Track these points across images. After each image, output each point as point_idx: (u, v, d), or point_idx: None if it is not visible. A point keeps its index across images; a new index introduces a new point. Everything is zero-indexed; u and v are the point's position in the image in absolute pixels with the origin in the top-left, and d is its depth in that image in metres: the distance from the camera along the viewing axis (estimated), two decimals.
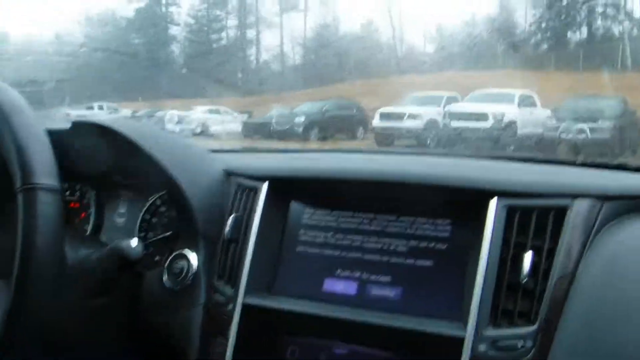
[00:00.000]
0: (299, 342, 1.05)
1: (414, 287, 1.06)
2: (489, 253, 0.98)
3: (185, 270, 1.15)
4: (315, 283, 1.11)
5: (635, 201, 1.08)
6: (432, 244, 1.08)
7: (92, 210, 1.42)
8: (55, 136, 1.08)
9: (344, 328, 1.03)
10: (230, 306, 1.09)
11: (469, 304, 0.96)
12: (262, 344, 1.07)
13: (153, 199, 1.38)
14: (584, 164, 1.37)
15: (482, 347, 0.93)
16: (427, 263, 1.07)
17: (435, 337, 0.97)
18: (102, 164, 1.29)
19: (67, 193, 1.46)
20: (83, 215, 1.43)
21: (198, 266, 1.16)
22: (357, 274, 1.10)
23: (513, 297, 0.96)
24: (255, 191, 1.18)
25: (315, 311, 1.05)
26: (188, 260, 1.16)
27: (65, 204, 1.43)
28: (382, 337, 1.00)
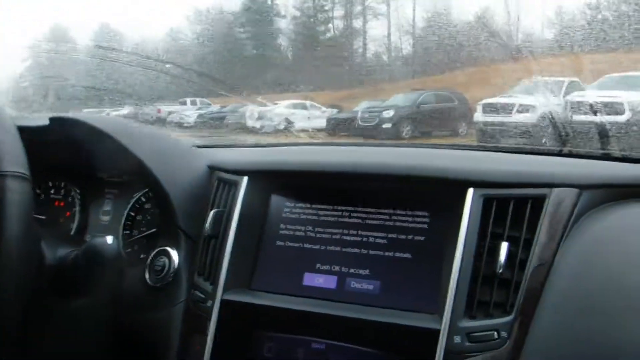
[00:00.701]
0: (277, 338, 1.05)
1: (393, 280, 1.05)
2: (465, 244, 0.98)
3: (166, 268, 1.15)
4: (295, 277, 1.10)
5: (615, 190, 1.06)
6: (411, 236, 1.07)
7: (77, 208, 1.43)
8: (32, 131, 1.10)
9: (323, 323, 1.02)
10: (209, 303, 1.09)
11: (445, 296, 0.96)
12: (240, 340, 1.06)
13: (137, 196, 1.38)
14: (568, 154, 1.36)
15: (457, 339, 0.93)
16: (406, 255, 1.06)
17: (411, 330, 0.96)
18: (83, 160, 1.29)
19: (52, 192, 1.47)
20: (68, 214, 1.44)
21: (179, 263, 1.16)
22: (337, 268, 1.09)
23: (489, 288, 0.96)
24: (236, 185, 1.18)
25: (294, 306, 1.05)
26: (169, 257, 1.16)
27: (50, 202, 1.46)
28: (360, 331, 1.00)
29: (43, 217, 1.43)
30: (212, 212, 1.16)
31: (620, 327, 0.85)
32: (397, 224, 1.08)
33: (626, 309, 0.87)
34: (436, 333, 0.94)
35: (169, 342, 1.12)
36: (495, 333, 0.92)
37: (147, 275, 1.16)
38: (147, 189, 1.36)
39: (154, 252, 1.18)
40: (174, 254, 1.16)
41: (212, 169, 1.27)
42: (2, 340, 0.90)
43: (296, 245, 1.13)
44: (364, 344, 0.99)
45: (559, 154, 1.38)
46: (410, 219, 1.08)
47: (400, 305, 1.02)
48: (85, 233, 1.41)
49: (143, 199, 1.38)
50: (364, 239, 1.09)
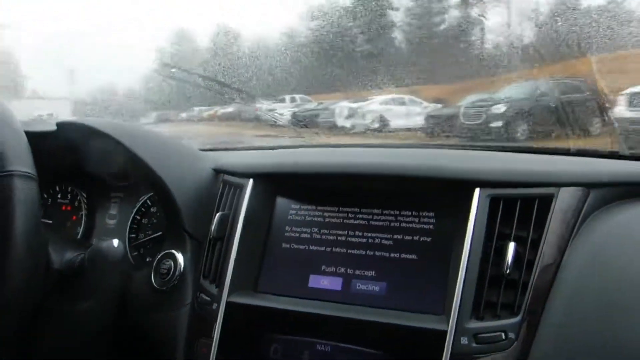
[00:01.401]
0: (282, 340, 1.04)
1: (399, 281, 1.04)
2: (472, 244, 0.97)
3: (172, 271, 1.15)
4: (301, 279, 1.10)
5: (623, 188, 1.05)
6: (417, 237, 1.06)
7: (84, 212, 1.44)
8: (39, 136, 1.10)
9: (329, 325, 1.01)
10: (215, 305, 1.09)
11: (452, 297, 0.95)
12: (246, 343, 1.06)
13: (143, 200, 1.39)
14: (575, 153, 1.35)
15: (463, 340, 0.92)
16: (412, 256, 1.05)
17: (417, 331, 0.95)
18: (90, 164, 1.30)
19: (59, 196, 1.48)
20: (74, 218, 1.45)
21: (185, 266, 1.16)
22: (342, 270, 1.09)
23: (496, 289, 0.95)
24: (241, 188, 1.18)
25: (300, 308, 1.04)
26: (175, 260, 1.16)
27: (57, 207, 1.46)
28: (366, 333, 0.99)
29: (50, 222, 1.44)
30: (217, 215, 1.17)
31: (630, 327, 0.84)
32: (403, 224, 1.08)
33: (636, 308, 0.86)
34: (443, 334, 0.93)
35: (175, 344, 1.12)
36: (503, 334, 0.91)
37: (153, 279, 1.16)
38: (152, 193, 1.36)
39: (160, 255, 1.18)
40: (180, 257, 1.16)
41: (218, 171, 1.27)
42: (8, 341, 0.90)
43: (301, 247, 1.13)
44: (370, 346, 0.98)
45: (567, 152, 1.37)
46: (416, 219, 1.07)
47: (407, 306, 1.01)
48: (92, 237, 1.42)
49: (149, 202, 1.39)
50: (370, 240, 1.09)
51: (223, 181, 1.24)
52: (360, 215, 1.11)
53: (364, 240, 1.09)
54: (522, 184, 1.01)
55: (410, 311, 1.00)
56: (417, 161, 1.16)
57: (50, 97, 4.39)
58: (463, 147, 1.54)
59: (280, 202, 1.18)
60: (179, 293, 1.15)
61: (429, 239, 1.05)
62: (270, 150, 1.57)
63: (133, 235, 1.38)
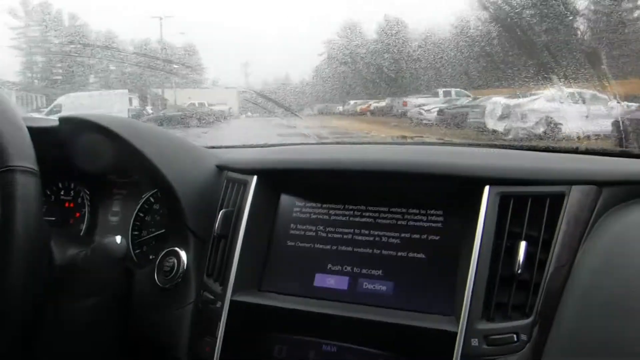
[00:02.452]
0: (287, 340, 1.02)
1: (406, 281, 1.02)
2: (482, 244, 0.95)
3: (175, 268, 1.13)
4: (306, 278, 1.08)
5: (636, 187, 1.02)
6: (425, 236, 1.04)
7: (87, 209, 1.43)
8: (42, 132, 1.08)
9: (335, 324, 0.99)
10: (218, 304, 1.07)
11: (462, 297, 0.93)
12: (250, 342, 1.04)
13: (146, 197, 1.37)
14: (585, 152, 1.32)
15: (474, 342, 0.90)
16: (420, 255, 1.03)
17: (426, 332, 0.93)
18: (92, 159, 1.28)
19: (62, 193, 1.47)
20: (77, 215, 1.43)
21: (188, 264, 1.14)
22: (349, 268, 1.07)
23: (507, 290, 0.93)
24: (245, 185, 1.16)
25: (305, 308, 1.02)
26: (179, 258, 1.14)
27: (60, 203, 1.45)
28: (373, 333, 0.97)
29: (53, 219, 1.43)
30: (221, 212, 1.15)
31: None
32: (411, 223, 1.05)
33: None
34: (453, 336, 0.91)
35: (179, 343, 1.10)
36: (515, 336, 0.89)
37: (156, 276, 1.14)
38: (156, 190, 1.35)
39: (163, 252, 1.16)
40: (183, 255, 1.15)
41: (221, 168, 1.26)
42: (10, 338, 0.89)
43: (307, 245, 1.11)
44: (376, 346, 0.96)
45: (576, 151, 1.35)
46: (424, 218, 1.05)
47: (415, 306, 0.99)
48: (95, 234, 1.41)
49: (152, 200, 1.37)
50: (377, 239, 1.06)
51: (227, 178, 1.22)
52: (366, 213, 1.09)
53: (371, 238, 1.07)
54: (533, 182, 0.99)
55: (419, 311, 0.98)
56: (426, 158, 1.13)
57: (227, 87, 4.74)
58: (472, 145, 1.51)
59: (285, 199, 1.16)
60: (182, 291, 1.13)
61: (438, 238, 1.03)
62: (273, 147, 1.55)
63: (136, 233, 1.36)
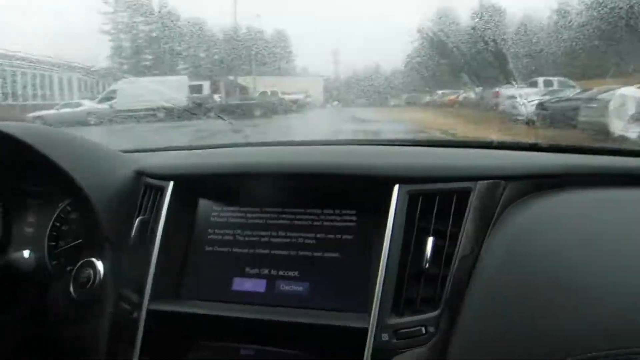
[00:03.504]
0: (205, 346, 1.02)
1: (322, 281, 1.04)
2: (392, 241, 0.97)
3: (91, 279, 1.10)
4: (224, 283, 1.08)
5: (539, 180, 1.06)
6: (339, 235, 1.06)
7: None
8: None
9: (252, 328, 1.00)
10: (135, 314, 1.05)
11: (373, 294, 0.95)
12: (169, 351, 1.03)
13: (63, 206, 1.32)
14: (497, 146, 1.35)
15: (384, 337, 0.92)
16: (334, 255, 1.05)
17: (340, 330, 0.95)
18: (2, 169, 1.24)
19: None
20: None
21: (105, 274, 1.11)
22: (266, 271, 1.07)
23: (417, 284, 0.95)
24: (162, 191, 1.14)
25: (222, 313, 1.02)
26: (94, 269, 1.11)
27: None
28: (289, 335, 0.98)
29: None
30: (137, 220, 1.12)
31: (545, 315, 0.84)
32: (326, 223, 1.07)
33: (550, 296, 0.85)
34: (364, 332, 0.92)
35: (97, 354, 1.07)
36: (423, 328, 0.91)
37: (72, 289, 1.11)
38: (72, 198, 1.30)
39: (79, 264, 1.13)
40: (100, 265, 1.12)
41: (139, 174, 1.22)
42: None
43: (224, 249, 1.10)
44: (294, 347, 0.98)
45: (488, 146, 1.37)
46: (338, 218, 1.06)
47: (330, 305, 1.00)
48: (10, 246, 1.31)
49: (69, 209, 1.32)
50: (293, 240, 1.07)
51: (144, 184, 1.19)
52: (283, 215, 1.09)
53: (287, 240, 1.07)
54: (440, 179, 1.01)
55: (334, 310, 0.99)
56: (339, 159, 1.15)
57: (314, 75, 4.76)
58: (384, 143, 1.53)
59: (203, 203, 1.15)
60: (99, 303, 1.10)
61: (351, 237, 1.04)
62: (192, 150, 1.52)
63: (53, 243, 1.30)
